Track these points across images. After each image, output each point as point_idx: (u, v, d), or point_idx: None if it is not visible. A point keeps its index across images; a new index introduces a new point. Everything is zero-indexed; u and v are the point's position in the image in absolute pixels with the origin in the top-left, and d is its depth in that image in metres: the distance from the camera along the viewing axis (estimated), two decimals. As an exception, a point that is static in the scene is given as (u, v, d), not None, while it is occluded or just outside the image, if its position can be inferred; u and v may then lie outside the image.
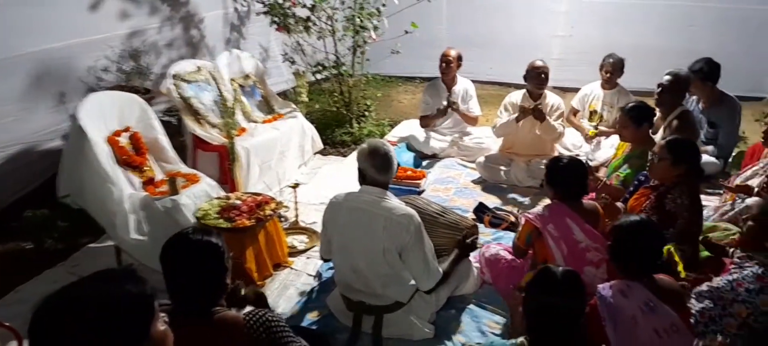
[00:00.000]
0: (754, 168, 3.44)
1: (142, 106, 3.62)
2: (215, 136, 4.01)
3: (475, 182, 4.62)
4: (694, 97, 4.59)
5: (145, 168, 3.46)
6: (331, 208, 2.67)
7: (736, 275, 2.21)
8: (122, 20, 4.52)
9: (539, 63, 4.42)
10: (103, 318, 1.24)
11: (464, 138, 5.09)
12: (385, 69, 7.44)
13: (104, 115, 3.36)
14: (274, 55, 6.30)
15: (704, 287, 2.25)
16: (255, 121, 4.50)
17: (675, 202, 2.78)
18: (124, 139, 3.41)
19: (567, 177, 2.76)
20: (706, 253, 2.80)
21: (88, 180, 3.12)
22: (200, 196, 3.36)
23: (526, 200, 4.28)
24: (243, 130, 4.27)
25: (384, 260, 2.50)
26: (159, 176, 3.53)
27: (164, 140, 3.65)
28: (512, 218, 3.86)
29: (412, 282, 2.58)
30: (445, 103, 4.88)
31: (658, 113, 4.02)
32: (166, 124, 4.45)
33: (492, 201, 4.22)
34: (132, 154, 3.39)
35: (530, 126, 4.48)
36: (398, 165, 4.58)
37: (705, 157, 4.27)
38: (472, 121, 5.07)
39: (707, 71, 4.39)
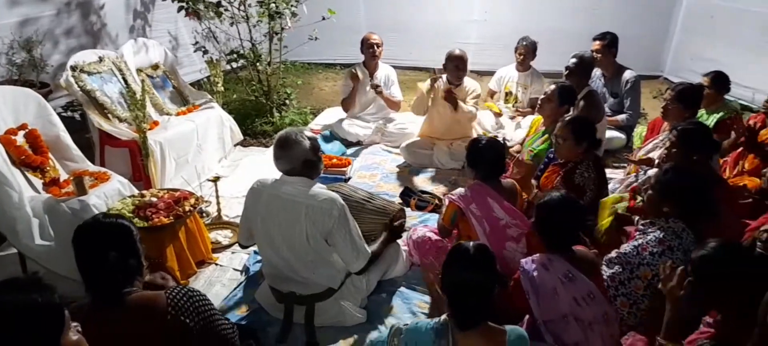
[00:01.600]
0: (655, 141, 3.71)
1: (38, 102, 3.31)
2: (124, 131, 3.76)
3: (400, 167, 4.65)
4: (598, 72, 4.87)
5: (46, 168, 3.18)
6: (252, 194, 2.60)
7: (640, 240, 2.37)
8: (11, 8, 4.13)
9: (457, 52, 4.45)
10: (8, 331, 1.20)
11: (388, 125, 5.11)
12: (303, 56, 7.31)
13: (-4, 113, 3.05)
14: (185, 44, 6.00)
15: (613, 253, 2.41)
16: (168, 114, 4.27)
17: (582, 176, 2.98)
18: (20, 138, 3.11)
19: (486, 158, 2.86)
20: (606, 222, 2.97)
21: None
22: (111, 195, 3.14)
23: (450, 182, 4.37)
24: (155, 123, 4.04)
25: (309, 246, 2.46)
26: (64, 176, 3.26)
27: (66, 138, 3.37)
28: (437, 201, 3.94)
29: (342, 265, 2.57)
30: (368, 87, 4.87)
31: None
32: (67, 121, 4.14)
33: (417, 185, 4.27)
34: (30, 154, 3.10)
35: (448, 111, 4.57)
36: (322, 153, 4.58)
37: (610, 133, 4.58)
38: (395, 106, 5.10)
39: (610, 39, 4.70)
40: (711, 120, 4.05)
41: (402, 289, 2.98)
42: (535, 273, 2.14)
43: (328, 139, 4.97)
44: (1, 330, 1.19)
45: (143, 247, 1.80)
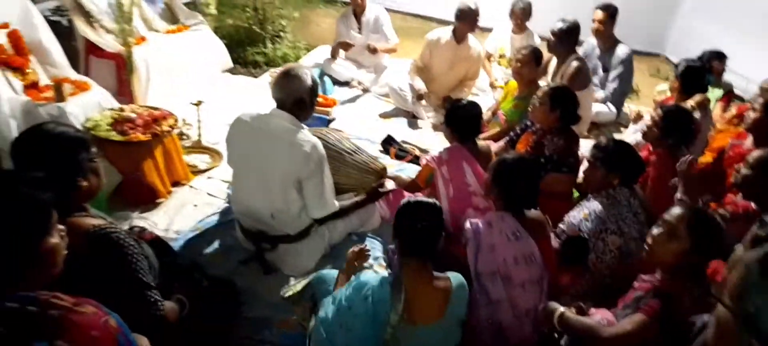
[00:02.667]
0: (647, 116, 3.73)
1: (23, 3, 3.28)
2: (110, 43, 3.73)
3: (384, 114, 4.65)
4: (594, 42, 4.82)
5: (27, 70, 3.18)
6: (236, 125, 2.59)
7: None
8: None
9: (473, 6, 4.41)
10: None
11: (381, 74, 5.06)
12: (303, -12, 7.16)
13: (-24, 9, 3.01)
14: (184, -40, 5.84)
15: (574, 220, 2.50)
16: (156, 31, 4.23)
17: (552, 142, 3.01)
18: (1, 37, 3.08)
19: (462, 117, 2.88)
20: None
21: (-42, 79, 2.82)
22: (90, 106, 3.16)
23: (433, 135, 4.39)
24: (142, 39, 4.01)
25: (281, 188, 2.48)
26: (44, 80, 3.26)
27: (50, 42, 3.36)
28: (417, 152, 3.97)
29: (304, 217, 2.60)
30: (352, 32, 4.85)
31: (554, 60, 4.23)
32: (54, 25, 4.06)
33: (399, 134, 4.29)
34: (11, 55, 3.09)
35: (447, 68, 4.56)
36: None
37: (598, 106, 4.59)
38: (392, 51, 5.05)
39: (613, 11, 4.62)
40: (714, 95, 4.17)
41: (369, 239, 2.98)
42: (479, 226, 2.22)
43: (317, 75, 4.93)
44: None
45: (91, 159, 1.72)
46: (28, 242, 1.21)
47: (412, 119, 4.59)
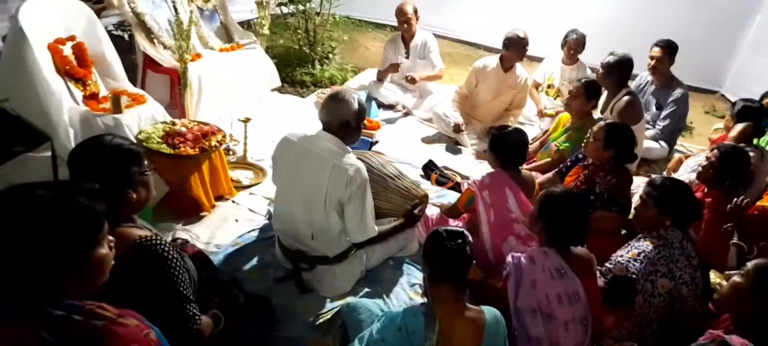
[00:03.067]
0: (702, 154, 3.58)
1: (89, 17, 3.45)
2: (167, 58, 3.88)
3: (427, 139, 4.64)
4: (650, 78, 4.69)
5: (88, 82, 3.33)
6: (283, 144, 2.62)
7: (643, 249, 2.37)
8: None
9: (520, 35, 4.41)
10: (41, 229, 1.14)
11: (425, 99, 5.06)
12: (355, 12, 7.29)
13: (48, 20, 3.19)
14: (242, -19, 6.05)
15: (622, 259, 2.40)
16: (211, 49, 4.37)
17: (605, 180, 2.92)
18: (67, 49, 3.25)
19: (508, 144, 2.84)
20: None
21: (26, 86, 2.98)
22: (145, 118, 3.27)
23: (475, 163, 4.34)
24: (198, 56, 4.14)
25: (323, 209, 2.48)
26: (103, 92, 3.41)
27: (111, 55, 3.51)
28: (458, 178, 3.94)
29: (343, 240, 2.60)
30: (401, 58, 4.87)
31: (605, 94, 4.12)
32: (116, 40, 4.28)
33: (441, 160, 4.27)
34: (75, 66, 3.25)
35: (493, 96, 4.53)
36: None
37: (649, 143, 4.44)
38: (435, 78, 5.06)
39: (671, 48, 4.49)
40: None
41: (407, 265, 2.96)
42: (521, 261, 2.17)
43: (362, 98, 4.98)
44: (35, 227, 1.14)
45: (144, 173, 1.77)
46: (80, 252, 1.21)
47: (455, 145, 4.56)
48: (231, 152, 3.89)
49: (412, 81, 4.87)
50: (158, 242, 1.69)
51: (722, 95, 6.62)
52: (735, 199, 2.63)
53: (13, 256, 1.13)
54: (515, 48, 4.40)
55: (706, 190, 2.91)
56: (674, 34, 4.71)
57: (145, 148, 3.01)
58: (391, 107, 5.09)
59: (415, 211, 2.92)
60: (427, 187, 3.80)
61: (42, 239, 1.15)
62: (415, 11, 4.88)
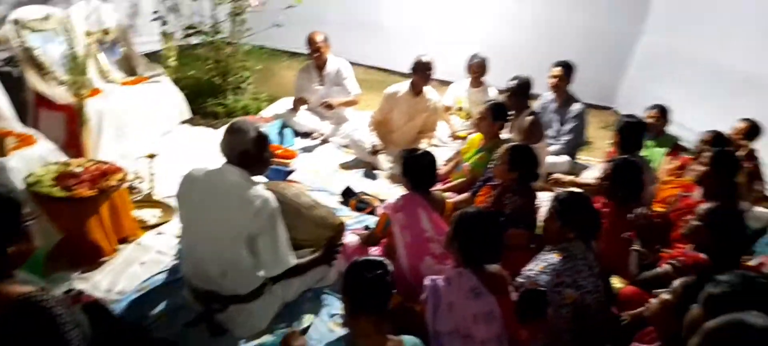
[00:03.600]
0: (599, 166, 3.82)
1: (-33, 53, 3.16)
2: (61, 95, 3.63)
3: (345, 165, 4.64)
4: (551, 97, 4.98)
5: (-32, 123, 3.04)
6: (186, 181, 2.51)
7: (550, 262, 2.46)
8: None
9: (424, 59, 4.53)
10: None
11: (342, 125, 5.08)
12: (270, 41, 7.19)
13: None
14: (146, 11, 5.82)
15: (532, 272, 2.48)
16: (113, 82, 4.14)
17: (511, 200, 3.04)
18: (-59, 88, 2.96)
19: (417, 167, 2.88)
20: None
21: None
22: (34, 160, 3.03)
23: (393, 187, 4.37)
24: (96, 91, 3.92)
25: (232, 246, 2.39)
26: (-13, 134, 3.12)
27: (-5, 93, 3.23)
28: (377, 203, 3.94)
29: (260, 273, 2.50)
30: (315, 86, 4.91)
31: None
32: (5, 76, 3.95)
33: (359, 185, 4.26)
34: (-49, 107, 2.96)
35: (406, 120, 4.61)
36: (269, 143, 4.52)
37: (553, 158, 4.69)
38: (351, 104, 5.08)
39: (568, 68, 4.83)
40: (660, 151, 4.30)
41: (325, 295, 2.90)
42: (437, 284, 2.18)
43: (278, 127, 4.91)
44: None
45: (25, 227, 1.63)
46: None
47: (372, 170, 4.58)
48: (136, 191, 3.68)
49: (329, 107, 4.87)
50: (41, 298, 1.53)
51: (615, 111, 7.13)
52: (636, 210, 2.81)
53: None
54: (421, 72, 4.52)
55: (604, 201, 3.08)
56: (571, 55, 5.05)
57: (34, 193, 2.78)
58: (307, 135, 5.05)
59: (334, 244, 2.87)
60: (347, 213, 3.78)
61: None
62: (326, 39, 4.92)
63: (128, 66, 4.46)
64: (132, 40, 4.71)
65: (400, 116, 4.64)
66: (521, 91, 4.21)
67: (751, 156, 3.76)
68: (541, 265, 2.47)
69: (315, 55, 4.91)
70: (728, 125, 4.11)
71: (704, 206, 2.56)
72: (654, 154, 4.44)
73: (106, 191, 2.92)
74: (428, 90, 4.64)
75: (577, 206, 2.53)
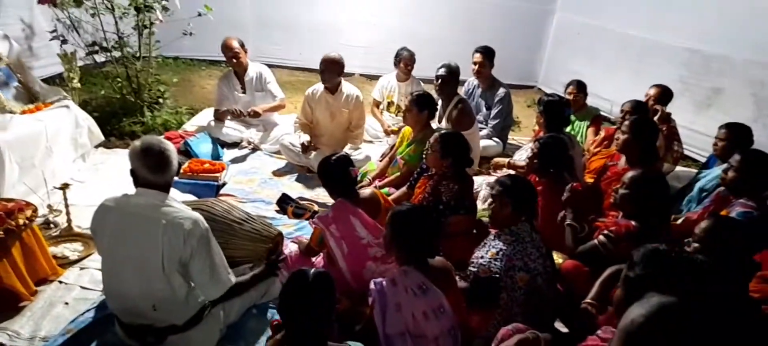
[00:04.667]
0: (529, 146, 3.91)
1: None
2: (-48, 131, 3.27)
3: (278, 172, 4.50)
4: (476, 82, 5.06)
5: None
6: (99, 212, 2.30)
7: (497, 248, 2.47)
8: None
9: (330, 56, 4.39)
10: None
11: (271, 132, 4.93)
12: (184, 51, 6.91)
13: None
14: (42, 33, 5.38)
15: (480, 260, 2.48)
16: (11, 112, 3.77)
17: (447, 187, 3.04)
18: None
19: (336, 175, 2.83)
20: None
21: None
22: (-72, 206, 2.70)
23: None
24: (-8, 123, 3.56)
25: (162, 275, 2.21)
26: None
27: None
28: (315, 207, 3.85)
29: (199, 299, 2.36)
30: (237, 93, 4.80)
31: (440, 103, 4.36)
32: None
33: (295, 191, 4.15)
34: None
35: (329, 119, 4.52)
36: (195, 157, 4.32)
37: (485, 142, 4.78)
38: (278, 109, 4.95)
39: (488, 53, 4.91)
40: (583, 125, 4.46)
41: (271, 309, 2.78)
42: (383, 286, 2.13)
43: (204, 140, 4.68)
44: None
45: None
46: None
47: (307, 174, 4.48)
48: (52, 226, 3.39)
49: (256, 115, 4.71)
50: None
51: (539, 89, 7.40)
52: (569, 185, 2.87)
53: None
54: (328, 70, 4.38)
55: (536, 180, 3.15)
56: (490, 40, 5.16)
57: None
58: (235, 145, 4.87)
59: (274, 256, 2.76)
60: (285, 222, 3.67)
61: None
62: (242, 44, 4.76)
63: (27, 93, 4.08)
64: (28, 64, 4.32)
65: (322, 116, 4.54)
66: (450, 78, 4.24)
67: (667, 119, 3.97)
68: (492, 251, 2.46)
69: (233, 62, 4.73)
70: (640, 92, 4.33)
71: (629, 174, 2.66)
72: (578, 127, 4.63)
73: (14, 230, 2.65)
74: (345, 86, 4.55)
75: (523, 189, 2.54)
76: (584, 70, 5.74)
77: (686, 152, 4.74)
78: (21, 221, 2.71)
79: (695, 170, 4.37)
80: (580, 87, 4.66)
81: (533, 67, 7.51)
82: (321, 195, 4.15)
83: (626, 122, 3.20)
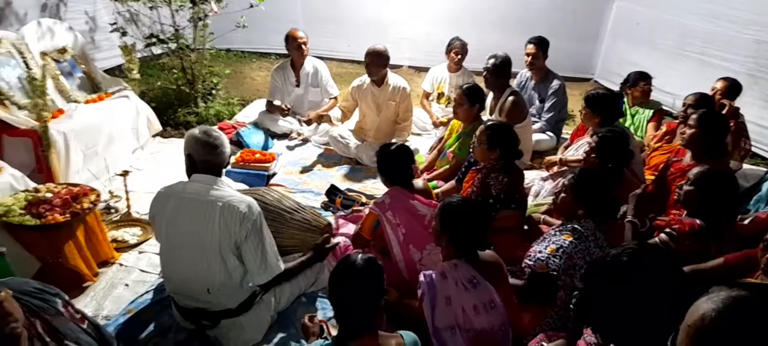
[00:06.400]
0: (577, 145, 3.78)
1: None
2: (23, 120, 3.45)
3: (327, 163, 4.53)
4: (528, 74, 4.92)
5: (-74, 158, 2.86)
6: (157, 200, 2.39)
7: (554, 243, 2.39)
8: None
9: (373, 48, 4.36)
10: None
11: (320, 124, 4.96)
12: (236, 44, 7.05)
13: None
14: (104, 26, 5.61)
15: (537, 253, 2.40)
16: (76, 102, 3.95)
17: (497, 180, 2.96)
18: None
19: (392, 165, 2.81)
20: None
21: None
22: (2, 189, 2.86)
23: (378, 181, 4.28)
24: (60, 112, 3.74)
25: (218, 257, 2.28)
26: (-51, 169, 2.95)
27: (-49, 125, 3.05)
28: (363, 199, 3.86)
29: (249, 284, 2.41)
30: (292, 87, 4.83)
31: (491, 95, 4.27)
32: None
33: (344, 183, 4.17)
34: None
35: (376, 112, 4.51)
36: (246, 147, 4.41)
37: (538, 135, 4.65)
38: (333, 106, 4.97)
39: (542, 44, 4.74)
40: (643, 118, 4.29)
41: (320, 299, 2.82)
42: (433, 279, 2.10)
43: (254, 131, 4.77)
44: None
45: None
46: None
47: (356, 166, 4.49)
48: (113, 211, 3.53)
49: (310, 122, 4.80)
50: None
51: (596, 81, 7.15)
52: (644, 185, 2.75)
53: None
54: (371, 62, 4.36)
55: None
56: (544, 30, 5.00)
57: (4, 225, 2.63)
58: (285, 136, 4.94)
59: (325, 244, 2.79)
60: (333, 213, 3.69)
61: None
62: (306, 42, 4.79)
63: (90, 84, 4.26)
64: (91, 56, 4.51)
65: (368, 109, 4.53)
66: (501, 70, 4.12)
67: (736, 114, 3.75)
68: (552, 246, 2.37)
69: (298, 51, 4.76)
70: (704, 86, 4.11)
71: (695, 170, 2.53)
72: (638, 121, 4.44)
73: (79, 214, 2.78)
74: (392, 77, 4.51)
75: (589, 183, 2.45)
76: (644, 62, 5.49)
77: (754, 149, 4.48)
78: (86, 205, 2.83)
79: (764, 169, 4.13)
80: (645, 77, 4.47)
81: (590, 59, 7.25)
82: (368, 187, 4.16)
83: (694, 116, 3.02)
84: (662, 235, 2.48)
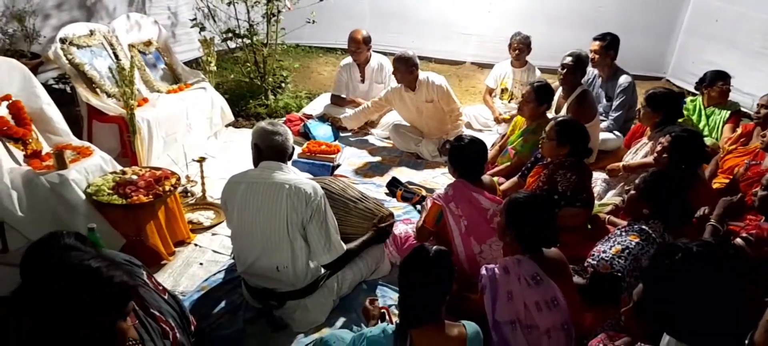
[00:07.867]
0: (638, 146, 3.65)
1: (23, 73, 3.28)
2: (112, 107, 3.74)
3: (388, 157, 4.61)
4: (596, 72, 4.79)
5: (28, 140, 3.16)
6: (228, 187, 2.57)
7: (620, 243, 2.34)
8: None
9: (398, 54, 4.35)
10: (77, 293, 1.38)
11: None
12: (305, 39, 7.25)
13: (-22, 83, 3.03)
14: (184, 21, 5.94)
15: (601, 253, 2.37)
16: (158, 91, 4.23)
17: (565, 178, 2.92)
18: (2, 109, 3.09)
19: (467, 156, 2.82)
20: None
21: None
22: (93, 170, 3.12)
23: (438, 175, 4.32)
24: (144, 100, 4.02)
25: (286, 237, 2.42)
26: (46, 149, 3.24)
27: (51, 110, 3.34)
28: (424, 192, 3.91)
29: (312, 265, 2.53)
30: (358, 82, 4.98)
31: (558, 92, 4.19)
32: (58, 93, 4.12)
33: (405, 176, 4.23)
34: (12, 125, 3.08)
35: (416, 113, 4.52)
36: (313, 139, 4.56)
37: (604, 135, 4.52)
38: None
39: (610, 40, 4.60)
40: (720, 119, 4.13)
41: (381, 287, 2.91)
42: (495, 273, 2.12)
43: (320, 124, 4.93)
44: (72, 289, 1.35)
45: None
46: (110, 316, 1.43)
47: (417, 160, 4.55)
48: (189, 194, 3.77)
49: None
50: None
51: (668, 80, 6.84)
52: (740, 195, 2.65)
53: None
54: (396, 69, 4.35)
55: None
56: (614, 27, 4.84)
57: (94, 202, 2.88)
58: (350, 130, 5.05)
59: (382, 225, 2.88)
60: (393, 204, 3.77)
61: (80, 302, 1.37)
62: (367, 40, 4.89)
63: (172, 75, 4.55)
64: (173, 49, 4.80)
65: (407, 112, 4.55)
66: (577, 67, 4.05)
67: (817, 117, 3.51)
68: (617, 247, 2.33)
69: (357, 53, 4.92)
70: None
71: (771, 174, 2.41)
72: (714, 122, 4.24)
73: (161, 195, 3.00)
74: (423, 81, 4.38)
75: (661, 185, 2.39)
76: (721, 61, 5.20)
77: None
78: (167, 188, 3.05)
79: None
80: (724, 78, 4.25)
81: (662, 57, 6.93)
82: (429, 180, 4.20)
83: None
84: (738, 239, 2.38)
